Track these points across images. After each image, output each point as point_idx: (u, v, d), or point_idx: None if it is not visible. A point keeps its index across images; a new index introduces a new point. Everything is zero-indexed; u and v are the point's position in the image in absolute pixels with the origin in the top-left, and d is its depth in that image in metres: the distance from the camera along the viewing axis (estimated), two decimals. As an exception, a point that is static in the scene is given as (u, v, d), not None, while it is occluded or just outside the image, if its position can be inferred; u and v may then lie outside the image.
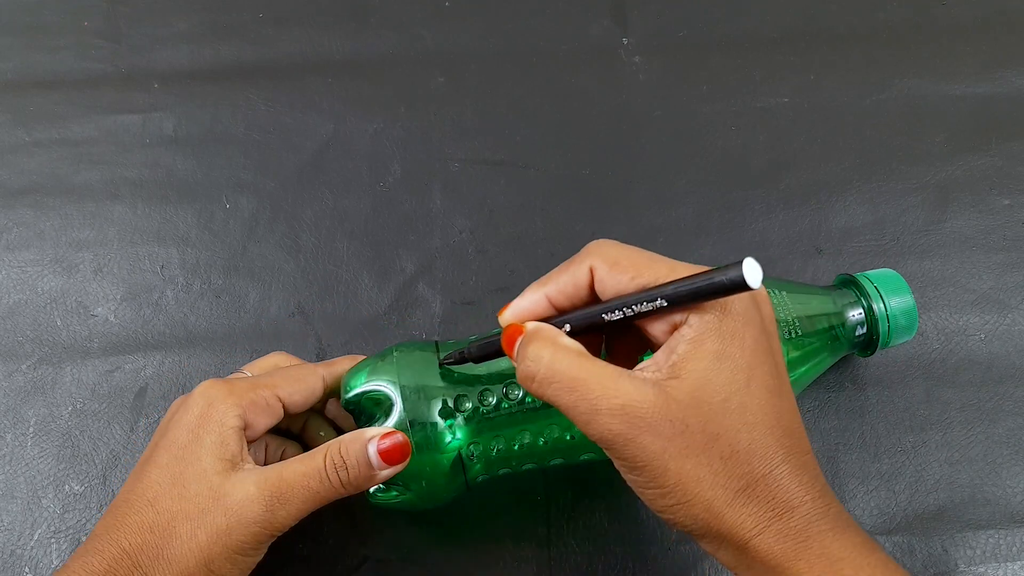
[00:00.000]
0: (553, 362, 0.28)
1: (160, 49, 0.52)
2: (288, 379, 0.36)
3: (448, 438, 0.35)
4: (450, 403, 0.35)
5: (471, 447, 0.35)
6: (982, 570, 0.39)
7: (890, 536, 0.40)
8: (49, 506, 0.41)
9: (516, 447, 0.36)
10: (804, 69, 0.51)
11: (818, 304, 0.39)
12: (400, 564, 0.40)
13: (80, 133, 0.50)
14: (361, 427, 0.35)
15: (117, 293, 0.46)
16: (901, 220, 0.47)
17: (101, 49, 0.52)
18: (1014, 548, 0.39)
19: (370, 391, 0.35)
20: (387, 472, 0.34)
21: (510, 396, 0.35)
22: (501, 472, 0.37)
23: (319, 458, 0.33)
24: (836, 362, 0.43)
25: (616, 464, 0.29)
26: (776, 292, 0.38)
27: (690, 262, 0.47)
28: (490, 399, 0.35)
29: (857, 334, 0.39)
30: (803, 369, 0.38)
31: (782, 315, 0.37)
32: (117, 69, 0.52)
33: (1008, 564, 0.39)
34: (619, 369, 0.28)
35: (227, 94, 0.51)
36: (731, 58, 0.51)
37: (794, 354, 0.37)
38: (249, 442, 0.35)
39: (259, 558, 0.34)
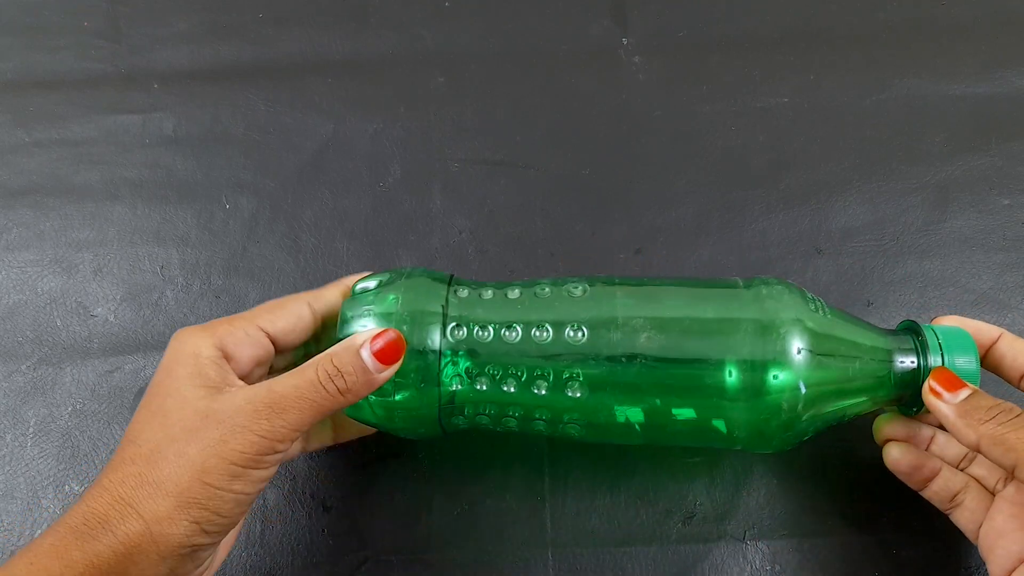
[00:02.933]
0: None
1: (160, 49, 0.52)
2: (268, 308, 0.35)
3: (439, 368, 0.34)
4: (447, 331, 0.34)
5: (457, 379, 0.34)
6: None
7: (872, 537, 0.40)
8: (49, 506, 0.41)
9: (504, 386, 0.34)
10: (804, 69, 0.51)
11: (868, 338, 0.35)
12: (400, 564, 0.40)
13: (80, 133, 0.50)
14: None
15: (117, 293, 0.46)
16: (901, 220, 0.47)
17: (101, 49, 0.52)
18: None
19: (370, 299, 0.35)
20: (386, 373, 0.33)
21: (508, 337, 0.34)
22: (480, 419, 0.36)
23: (310, 371, 0.32)
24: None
25: None
26: (824, 312, 0.35)
27: (690, 262, 0.47)
28: (487, 332, 0.34)
29: (903, 386, 0.35)
30: (839, 405, 0.35)
31: (826, 332, 0.34)
32: (117, 69, 0.52)
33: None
34: None
35: (227, 94, 0.51)
36: (731, 58, 0.51)
37: (829, 387, 0.34)
38: (241, 377, 0.33)
39: (264, 475, 0.32)
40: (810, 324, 0.34)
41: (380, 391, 0.34)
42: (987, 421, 0.32)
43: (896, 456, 0.37)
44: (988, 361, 0.36)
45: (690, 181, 0.48)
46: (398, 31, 0.53)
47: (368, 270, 0.46)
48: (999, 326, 0.44)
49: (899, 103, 0.50)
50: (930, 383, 0.34)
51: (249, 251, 0.47)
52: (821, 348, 0.34)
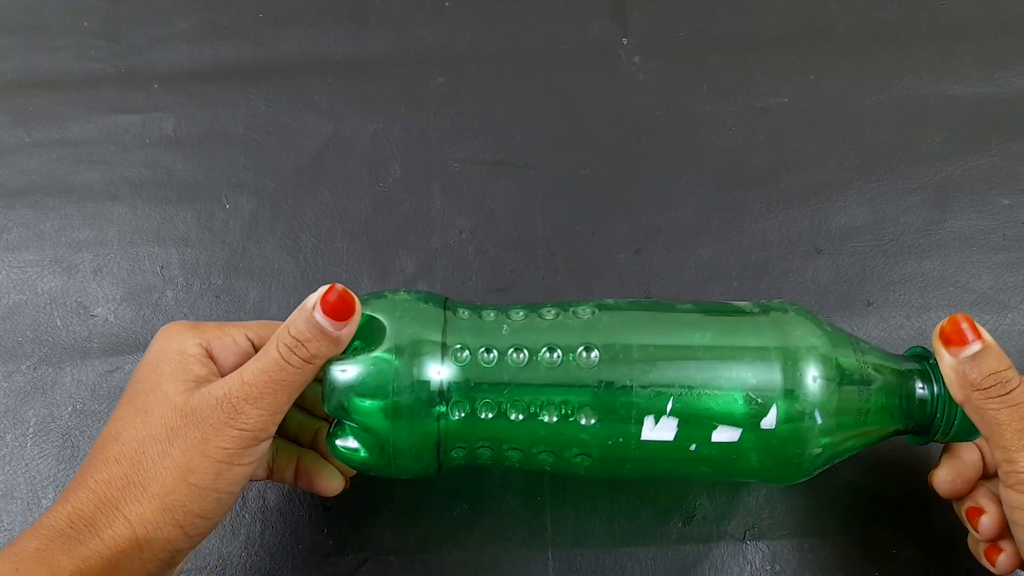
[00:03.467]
0: None
1: (160, 49, 0.52)
2: (261, 324, 0.35)
3: (434, 404, 0.33)
4: (443, 366, 0.33)
5: (456, 409, 0.33)
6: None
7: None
8: (49, 506, 0.41)
9: (507, 419, 0.33)
10: (804, 69, 0.51)
11: (882, 365, 0.35)
12: (400, 564, 0.40)
13: (80, 133, 0.50)
14: (349, 365, 0.33)
15: (117, 293, 0.46)
16: (901, 220, 0.47)
17: (101, 49, 0.52)
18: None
19: (362, 328, 0.33)
20: (346, 330, 0.32)
21: (514, 359, 0.33)
22: (480, 454, 0.34)
23: (272, 350, 0.32)
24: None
25: None
26: (838, 339, 0.34)
27: (690, 262, 0.47)
28: (491, 357, 0.33)
29: (916, 414, 0.35)
30: (854, 433, 0.34)
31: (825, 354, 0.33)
32: (117, 69, 0.52)
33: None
34: None
35: (227, 94, 0.51)
36: (731, 58, 0.51)
37: (845, 416, 0.33)
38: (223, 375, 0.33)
39: (246, 471, 0.32)
40: (825, 352, 0.33)
41: (375, 429, 0.33)
42: (978, 390, 0.31)
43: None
44: None
45: (690, 181, 0.48)
46: (398, 31, 0.53)
47: (368, 270, 0.46)
48: (999, 326, 0.44)
49: (899, 103, 0.50)
50: (942, 328, 0.32)
51: (249, 251, 0.47)
52: (836, 376, 0.33)
